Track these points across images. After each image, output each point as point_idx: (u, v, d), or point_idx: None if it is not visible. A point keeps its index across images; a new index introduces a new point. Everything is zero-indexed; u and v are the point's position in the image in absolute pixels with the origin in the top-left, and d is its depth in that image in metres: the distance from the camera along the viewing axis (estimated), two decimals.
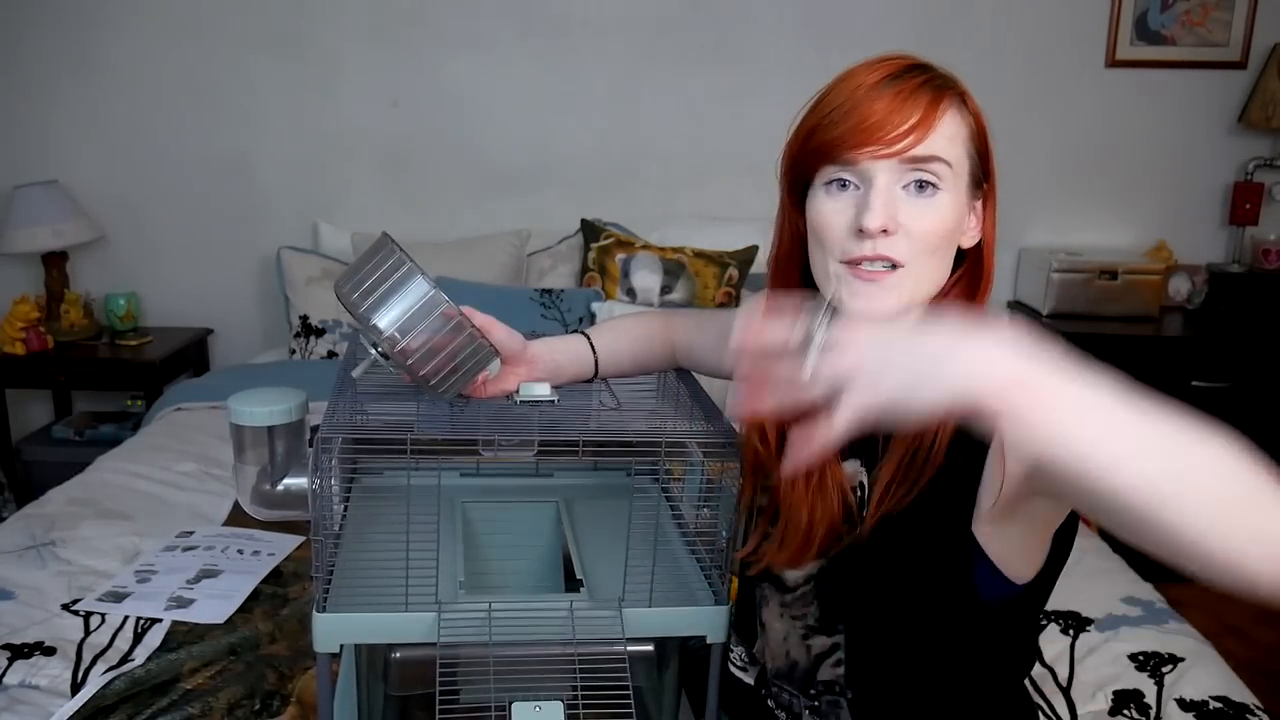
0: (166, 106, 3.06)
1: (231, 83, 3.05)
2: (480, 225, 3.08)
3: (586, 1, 3.02)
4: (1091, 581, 1.78)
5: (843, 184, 0.88)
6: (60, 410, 3.19)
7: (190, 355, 3.12)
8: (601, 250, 2.92)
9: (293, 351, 2.95)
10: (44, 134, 3.07)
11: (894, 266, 0.87)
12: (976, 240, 0.94)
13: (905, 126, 0.84)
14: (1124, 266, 2.92)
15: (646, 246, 2.92)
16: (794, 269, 0.98)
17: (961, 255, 0.95)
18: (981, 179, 0.92)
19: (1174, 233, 3.12)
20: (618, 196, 3.11)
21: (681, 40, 3.04)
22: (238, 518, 1.96)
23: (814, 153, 0.88)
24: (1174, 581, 2.60)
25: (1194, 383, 2.77)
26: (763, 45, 3.03)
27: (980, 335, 0.60)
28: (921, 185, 0.86)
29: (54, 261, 2.98)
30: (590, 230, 2.98)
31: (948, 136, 0.86)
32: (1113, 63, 3.04)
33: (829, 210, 0.89)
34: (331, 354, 2.91)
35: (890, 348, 0.62)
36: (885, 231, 0.85)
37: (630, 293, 2.87)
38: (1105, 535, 2.19)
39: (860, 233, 0.86)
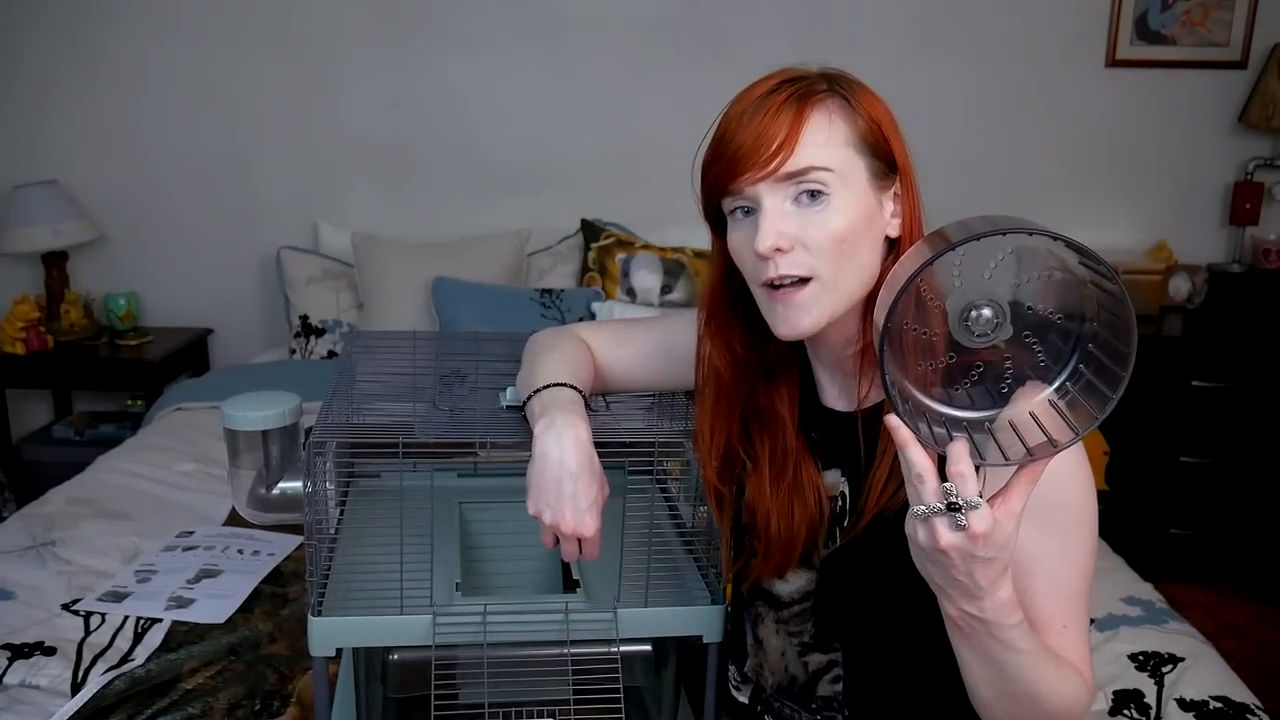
0: (166, 106, 3.06)
1: (231, 83, 3.05)
2: (480, 225, 3.07)
3: (586, 1, 3.02)
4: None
5: (745, 210, 0.91)
6: (60, 410, 3.19)
7: (190, 355, 3.12)
8: (601, 250, 2.92)
9: (293, 351, 2.95)
10: (44, 134, 3.07)
11: (804, 280, 0.88)
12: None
13: (773, 147, 0.86)
14: (1124, 266, 2.91)
15: (646, 246, 2.92)
16: (727, 296, 1.00)
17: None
18: (887, 170, 0.91)
19: (1174, 233, 3.12)
20: (618, 196, 3.10)
21: (681, 40, 3.04)
22: (238, 517, 1.95)
23: (711, 189, 0.93)
24: (1174, 581, 2.60)
25: (1194, 383, 2.76)
26: (763, 45, 3.02)
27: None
28: (814, 194, 0.88)
29: (54, 261, 2.98)
30: (590, 230, 2.97)
31: (820, 143, 0.87)
32: (1113, 63, 3.04)
33: (738, 240, 0.92)
34: (332, 354, 2.91)
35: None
36: (780, 250, 0.87)
37: (630, 293, 2.86)
38: (1105, 535, 2.19)
39: (761, 257, 0.88)
